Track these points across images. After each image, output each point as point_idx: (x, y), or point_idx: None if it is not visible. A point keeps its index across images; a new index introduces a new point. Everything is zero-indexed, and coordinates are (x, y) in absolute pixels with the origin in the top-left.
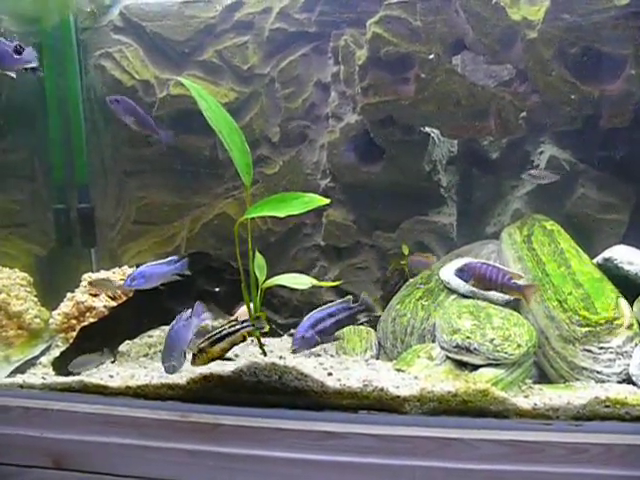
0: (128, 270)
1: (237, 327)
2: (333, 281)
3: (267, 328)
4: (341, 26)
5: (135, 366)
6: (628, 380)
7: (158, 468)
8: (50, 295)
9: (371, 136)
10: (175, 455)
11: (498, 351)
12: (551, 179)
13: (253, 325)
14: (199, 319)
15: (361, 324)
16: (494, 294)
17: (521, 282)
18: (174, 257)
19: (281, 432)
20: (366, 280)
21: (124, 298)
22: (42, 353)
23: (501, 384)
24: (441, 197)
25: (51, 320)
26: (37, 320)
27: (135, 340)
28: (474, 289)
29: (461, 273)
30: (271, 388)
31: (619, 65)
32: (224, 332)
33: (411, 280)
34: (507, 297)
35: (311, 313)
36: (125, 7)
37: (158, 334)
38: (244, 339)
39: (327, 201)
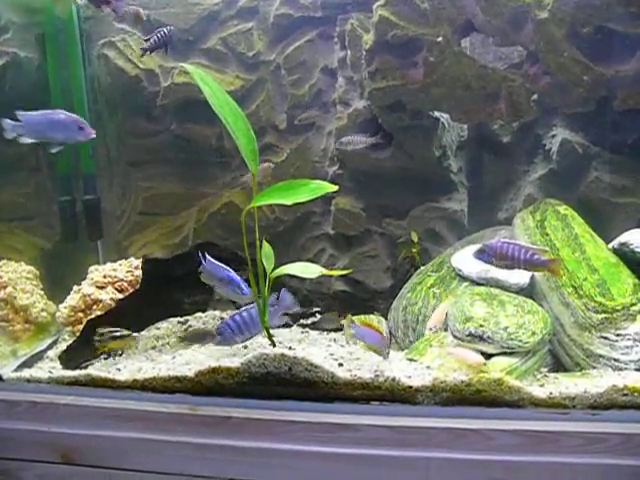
0: (134, 262)
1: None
2: (342, 270)
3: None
4: (347, 10)
5: (143, 359)
6: None
7: (167, 462)
8: (56, 288)
9: (379, 122)
10: (184, 448)
11: (512, 339)
12: (364, 144)
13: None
14: (284, 307)
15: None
16: (507, 280)
17: (545, 257)
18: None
19: (292, 424)
20: (376, 268)
21: (131, 290)
22: (49, 347)
23: (515, 373)
24: (452, 183)
25: (58, 313)
26: (44, 314)
27: (142, 332)
28: (486, 276)
29: (481, 254)
30: (281, 379)
31: (633, 44)
32: None
33: (422, 268)
34: (521, 283)
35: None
36: None
37: (166, 326)
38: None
39: (335, 188)
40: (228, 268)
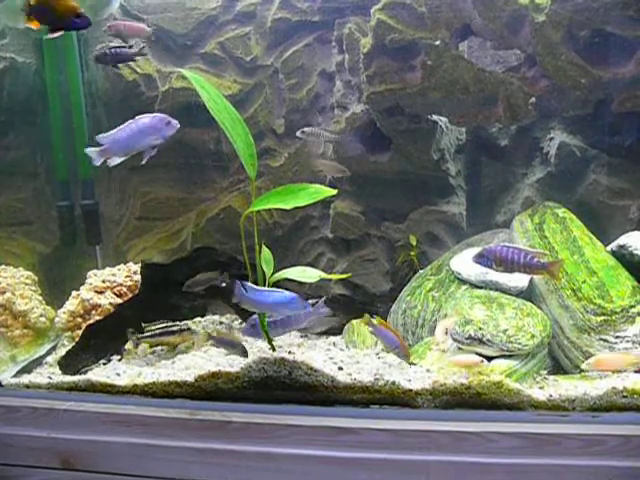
0: (133, 266)
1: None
2: (341, 274)
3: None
4: (345, 14)
5: (142, 364)
6: None
7: (167, 467)
8: (55, 293)
9: (377, 125)
10: (184, 453)
11: (512, 342)
12: (327, 138)
13: None
14: (317, 313)
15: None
16: (506, 283)
17: (545, 260)
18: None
19: (291, 428)
20: (375, 272)
21: (130, 295)
22: (48, 352)
23: (515, 375)
24: (450, 186)
25: (57, 319)
26: (42, 319)
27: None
28: (485, 279)
29: (481, 259)
30: (280, 384)
31: (630, 47)
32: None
33: (421, 271)
34: (520, 286)
35: None
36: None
37: None
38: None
39: (334, 192)
40: (273, 289)
